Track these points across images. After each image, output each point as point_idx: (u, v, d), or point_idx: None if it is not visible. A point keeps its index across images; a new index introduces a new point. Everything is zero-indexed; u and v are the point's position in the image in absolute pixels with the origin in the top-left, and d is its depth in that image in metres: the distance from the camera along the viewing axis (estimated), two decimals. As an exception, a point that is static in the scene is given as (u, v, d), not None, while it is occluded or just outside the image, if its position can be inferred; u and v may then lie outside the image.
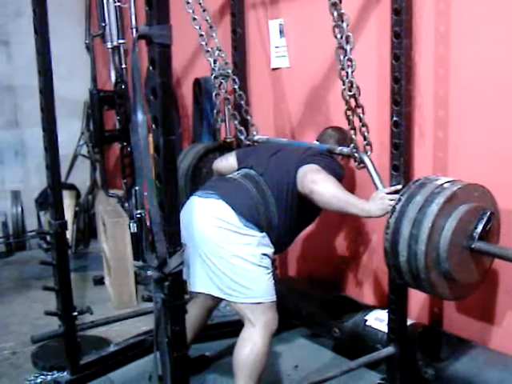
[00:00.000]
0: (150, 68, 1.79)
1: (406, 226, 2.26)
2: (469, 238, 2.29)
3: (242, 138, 3.47)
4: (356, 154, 2.70)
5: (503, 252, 2.28)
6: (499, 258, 2.32)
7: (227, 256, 2.62)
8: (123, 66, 4.81)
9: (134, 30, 4.55)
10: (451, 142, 2.80)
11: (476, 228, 2.29)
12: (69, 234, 4.40)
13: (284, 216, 2.73)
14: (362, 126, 2.66)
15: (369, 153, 2.69)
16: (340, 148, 2.85)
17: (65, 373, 3.13)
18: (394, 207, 2.34)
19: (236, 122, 3.51)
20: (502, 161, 2.63)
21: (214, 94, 3.55)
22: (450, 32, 2.71)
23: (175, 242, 1.89)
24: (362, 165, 2.70)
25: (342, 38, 2.54)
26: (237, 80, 3.50)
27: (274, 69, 3.75)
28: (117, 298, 4.37)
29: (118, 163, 5.02)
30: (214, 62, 3.46)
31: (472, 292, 2.46)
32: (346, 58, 2.56)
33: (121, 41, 4.77)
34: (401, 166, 2.63)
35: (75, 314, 3.05)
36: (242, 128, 3.48)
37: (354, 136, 2.67)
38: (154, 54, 1.77)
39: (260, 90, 3.90)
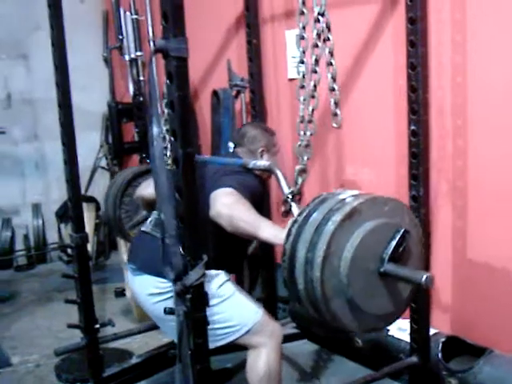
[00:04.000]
0: (167, 82, 1.80)
1: (301, 249, 1.97)
2: (378, 261, 1.99)
3: None
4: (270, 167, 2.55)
5: (413, 275, 1.98)
6: (409, 283, 2.06)
7: None
8: (141, 78, 4.84)
9: (151, 43, 4.58)
10: (471, 150, 2.78)
11: (386, 249, 2.00)
12: (89, 247, 4.42)
13: (218, 245, 2.56)
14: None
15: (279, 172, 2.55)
16: (253, 162, 2.65)
17: (88, 385, 3.15)
18: (289, 230, 2.04)
19: None
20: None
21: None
22: (467, 41, 2.69)
23: (196, 254, 1.90)
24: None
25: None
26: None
27: (290, 79, 3.75)
28: (138, 310, 4.37)
29: (137, 175, 5.03)
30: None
31: (389, 323, 2.21)
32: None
33: (138, 53, 4.81)
34: (419, 175, 2.60)
35: (97, 326, 3.06)
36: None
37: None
38: (171, 67, 1.78)
39: (277, 100, 3.90)
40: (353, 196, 2.02)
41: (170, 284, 2.38)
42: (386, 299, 2.05)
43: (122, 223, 3.40)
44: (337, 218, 1.91)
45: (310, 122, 2.44)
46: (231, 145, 2.91)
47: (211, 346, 2.48)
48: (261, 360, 2.55)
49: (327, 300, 1.94)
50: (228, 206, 2.38)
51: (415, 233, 2.12)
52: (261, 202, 2.66)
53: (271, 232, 2.27)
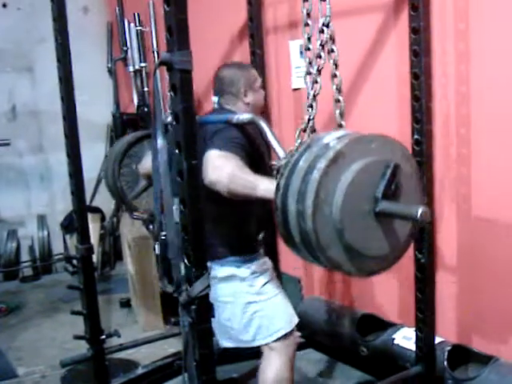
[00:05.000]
0: (172, 94, 1.81)
1: (291, 201, 1.88)
2: (371, 201, 1.89)
3: None
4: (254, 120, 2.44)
5: (407, 210, 1.87)
6: (404, 219, 1.94)
7: (242, 317, 2.56)
8: (145, 89, 4.86)
9: (156, 54, 4.60)
10: (474, 159, 2.78)
11: (378, 187, 1.89)
12: (94, 257, 4.44)
13: (224, 220, 2.55)
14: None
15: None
16: (236, 117, 2.51)
17: (94, 396, 3.14)
18: (278, 183, 1.95)
19: None
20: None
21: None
22: (470, 50, 2.70)
23: (201, 265, 1.90)
24: None
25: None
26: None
27: (294, 89, 3.76)
28: (143, 321, 4.38)
29: (142, 185, 5.04)
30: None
31: (391, 264, 2.07)
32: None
33: (142, 64, 4.83)
34: (424, 184, 2.61)
35: (103, 337, 3.07)
36: None
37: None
38: (175, 80, 1.79)
39: (280, 111, 3.91)
40: (337, 138, 1.92)
41: (216, 270, 2.49)
42: (385, 239, 1.97)
43: (124, 194, 3.40)
44: (321, 164, 1.83)
45: (304, 130, 2.37)
46: (215, 99, 2.76)
47: (248, 344, 2.62)
48: (274, 366, 2.57)
49: (324, 249, 1.87)
50: (218, 171, 2.29)
51: (408, 167, 2.01)
52: (257, 149, 2.56)
53: (266, 187, 2.17)
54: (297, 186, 1.87)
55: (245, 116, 2.50)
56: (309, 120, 2.28)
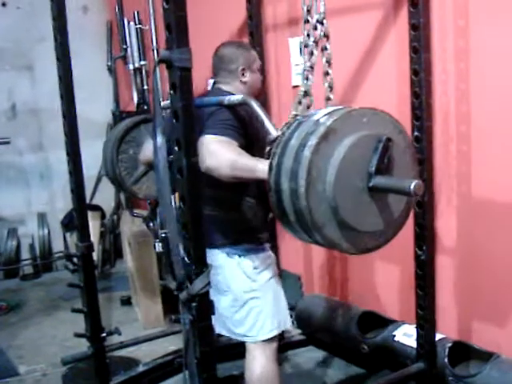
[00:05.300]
0: (171, 92, 1.81)
1: (284, 180, 1.87)
2: (365, 177, 1.87)
3: None
4: (244, 100, 2.40)
5: (400, 184, 1.85)
6: (398, 193, 1.91)
7: (240, 311, 2.56)
8: (145, 87, 4.85)
9: (155, 52, 4.59)
10: (474, 156, 2.78)
11: (371, 162, 1.86)
12: (94, 255, 4.44)
13: (227, 206, 2.53)
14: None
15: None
16: (228, 98, 2.47)
17: (95, 394, 3.14)
18: (270, 163, 1.94)
19: None
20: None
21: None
22: (470, 47, 2.70)
23: (201, 262, 1.90)
24: None
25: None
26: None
27: (294, 86, 3.76)
28: (144, 318, 4.38)
29: (142, 183, 5.04)
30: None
31: (387, 240, 2.04)
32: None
33: (142, 62, 4.81)
34: (424, 181, 2.61)
35: (104, 335, 3.07)
36: None
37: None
38: (175, 77, 1.79)
39: (280, 108, 3.91)
40: (327, 114, 1.89)
41: (219, 259, 2.48)
42: (380, 215, 1.95)
43: (123, 180, 3.41)
44: (312, 142, 1.81)
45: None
46: (211, 81, 2.72)
47: (238, 338, 2.62)
48: (259, 361, 2.57)
49: (319, 228, 1.85)
50: (215, 156, 2.27)
51: (401, 140, 1.98)
52: (252, 130, 2.48)
53: (264, 169, 2.08)
54: (289, 165, 1.85)
55: (236, 97, 2.47)
56: (296, 116, 2.26)
